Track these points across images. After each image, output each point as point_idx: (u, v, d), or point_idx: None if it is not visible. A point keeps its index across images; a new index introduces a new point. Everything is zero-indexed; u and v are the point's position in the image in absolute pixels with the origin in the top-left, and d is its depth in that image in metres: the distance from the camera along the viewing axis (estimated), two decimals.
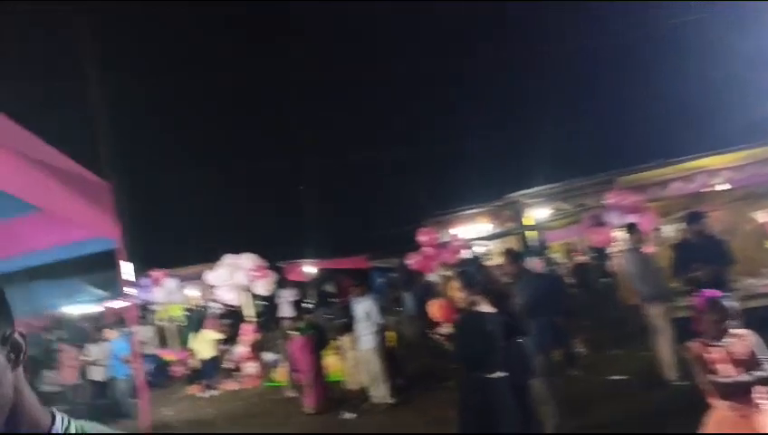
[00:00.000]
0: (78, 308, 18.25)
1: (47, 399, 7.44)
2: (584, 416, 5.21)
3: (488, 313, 3.03)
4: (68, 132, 8.09)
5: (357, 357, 8.38)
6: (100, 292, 17.44)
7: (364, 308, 7.71)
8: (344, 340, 9.19)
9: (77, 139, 8.19)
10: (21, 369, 1.00)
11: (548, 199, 15.36)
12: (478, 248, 15.45)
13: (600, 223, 10.18)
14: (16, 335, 0.99)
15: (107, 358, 9.65)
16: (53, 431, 0.99)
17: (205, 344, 11.14)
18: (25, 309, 16.87)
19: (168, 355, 13.04)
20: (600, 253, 15.56)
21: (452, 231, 15.72)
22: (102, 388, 9.68)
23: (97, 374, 9.79)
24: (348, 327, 8.28)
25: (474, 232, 16.36)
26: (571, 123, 23.29)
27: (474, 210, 16.89)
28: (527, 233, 15.46)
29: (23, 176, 6.26)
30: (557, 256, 17.78)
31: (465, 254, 12.64)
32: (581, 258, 18.29)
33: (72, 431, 1.01)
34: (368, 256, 18.47)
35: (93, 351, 9.98)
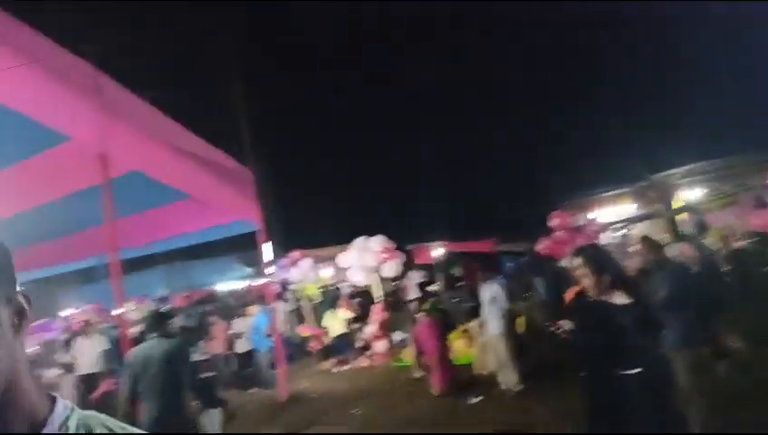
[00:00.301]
0: (228, 285, 20.01)
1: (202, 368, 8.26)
2: (733, 416, 4.71)
3: (622, 304, 2.80)
4: (212, 123, 8.81)
5: (484, 342, 8.28)
6: (248, 270, 18.97)
7: (491, 293, 7.59)
8: (472, 324, 9.12)
9: (221, 128, 8.89)
10: (22, 340, 0.86)
11: (702, 179, 13.94)
12: (617, 233, 14.48)
13: (762, 204, 9.06)
14: (20, 298, 0.86)
15: (250, 332, 10.48)
16: (51, 423, 0.84)
17: (337, 322, 11.69)
18: (183, 285, 18.86)
19: (305, 331, 13.85)
20: (763, 238, 13.85)
21: (590, 214, 14.88)
22: (247, 359, 10.54)
23: (241, 346, 10.67)
24: (475, 311, 8.21)
25: (614, 215, 15.35)
26: (729, 94, 20.89)
27: (615, 192, 15.83)
28: (676, 216, 14.18)
29: (175, 166, 6.93)
30: (711, 241, 16.13)
31: (601, 239, 11.91)
32: (740, 244, 16.39)
33: (72, 426, 0.86)
34: (496, 239, 18.08)
35: (238, 325, 10.88)
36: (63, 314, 20.18)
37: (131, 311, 18.01)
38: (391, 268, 12.97)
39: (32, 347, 19.11)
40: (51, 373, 11.91)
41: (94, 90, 5.42)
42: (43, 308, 20.97)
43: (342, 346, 11.66)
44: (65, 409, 0.88)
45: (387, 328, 11.69)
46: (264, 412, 8.36)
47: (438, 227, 20.66)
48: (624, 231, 15.00)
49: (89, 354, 9.69)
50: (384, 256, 12.84)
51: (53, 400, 0.89)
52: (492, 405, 6.88)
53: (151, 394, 4.18)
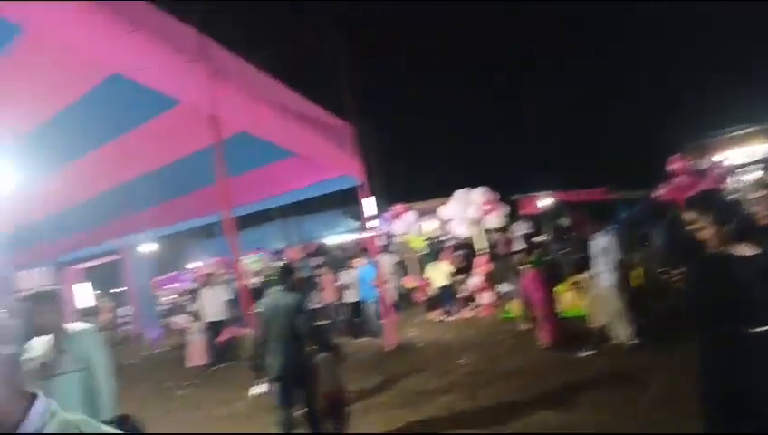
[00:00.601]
0: (336, 238, 20.75)
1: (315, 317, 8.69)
2: None
3: (748, 255, 2.53)
4: (314, 80, 8.95)
5: (596, 295, 7.97)
6: (355, 223, 19.53)
7: (603, 243, 7.22)
8: (582, 276, 8.79)
9: (323, 85, 9.02)
10: None
11: None
12: (745, 177, 13.11)
13: None
14: None
15: (357, 283, 10.84)
16: (23, 429, 0.74)
17: (439, 274, 11.78)
18: (295, 238, 19.82)
19: (410, 282, 14.11)
20: None
21: (715, 157, 13.56)
22: (355, 309, 10.95)
23: (350, 297, 11.09)
24: (585, 263, 7.88)
25: (743, 156, 13.87)
26: None
27: (744, 131, 14.25)
28: None
29: (280, 125, 7.15)
30: None
31: (727, 183, 10.87)
32: None
33: (52, 427, 0.76)
34: (609, 187, 17.08)
35: (346, 276, 11.29)
36: (191, 266, 22.08)
37: (250, 263, 19.31)
38: (494, 220, 12.74)
39: (166, 297, 21.17)
40: (182, 321, 13.12)
41: (202, 54, 5.67)
42: (173, 261, 23.10)
43: (446, 297, 11.76)
44: (43, 414, 0.77)
45: (491, 280, 11.59)
46: (372, 360, 8.70)
47: (546, 175, 19.90)
48: (754, 174, 13.53)
49: (213, 304, 10.54)
50: (487, 207, 12.62)
51: (33, 396, 0.78)
52: (603, 359, 6.65)
53: (277, 340, 4.74)
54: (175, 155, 7.74)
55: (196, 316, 10.79)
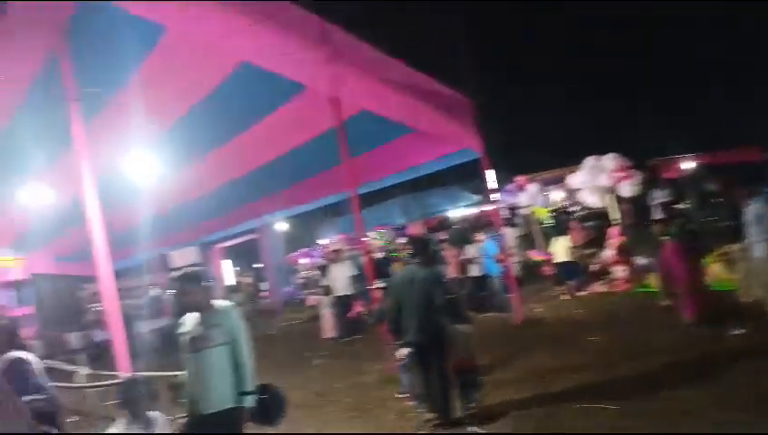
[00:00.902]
0: (458, 212, 20.66)
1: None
2: None
3: None
4: (432, 56, 8.86)
5: (749, 267, 7.21)
6: (476, 197, 19.31)
7: (756, 210, 6.48)
8: (733, 247, 7.99)
9: (441, 60, 8.91)
10: None
11: None
12: None
13: None
14: None
15: (480, 257, 10.73)
16: None
17: (560, 249, 11.28)
18: (417, 214, 20.02)
19: (536, 256, 13.68)
20: None
21: None
22: (480, 283, 10.85)
23: (474, 271, 11.01)
24: (735, 231, 7.13)
25: None
26: None
27: None
28: None
29: (399, 102, 7.20)
30: None
31: None
32: None
33: None
34: (763, 146, 15.20)
35: (469, 250, 11.20)
36: (320, 242, 23.19)
37: (374, 239, 19.86)
38: (628, 187, 11.91)
39: (299, 272, 22.46)
40: (313, 296, 13.86)
41: (322, 38, 5.84)
42: (304, 238, 24.42)
43: (571, 272, 11.21)
44: None
45: (626, 252, 10.89)
46: (498, 335, 8.60)
47: (687, 136, 18.17)
48: None
49: (341, 279, 11.01)
50: (619, 174, 11.82)
51: None
52: (759, 337, 6.01)
53: (412, 311, 4.96)
54: (304, 138, 8.11)
55: (326, 291, 11.34)
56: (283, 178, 10.00)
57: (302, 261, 23.77)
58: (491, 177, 9.57)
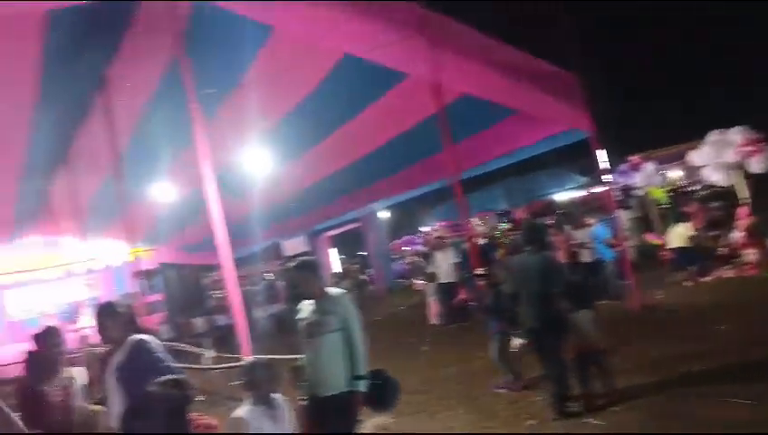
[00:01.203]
0: (565, 195, 19.88)
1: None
2: None
3: None
4: (536, 34, 8.52)
5: None
6: (584, 179, 18.46)
7: None
8: None
9: (545, 37, 8.55)
10: None
11: None
12: None
13: None
14: None
15: (591, 241, 10.20)
16: None
17: (677, 236, 10.47)
18: (522, 199, 19.49)
19: (654, 239, 12.82)
20: None
21: None
22: (592, 269, 10.33)
23: (585, 257, 10.49)
24: None
25: None
26: None
27: None
28: None
29: (501, 84, 7.02)
30: None
31: None
32: None
33: None
34: None
35: (579, 235, 10.70)
36: (423, 229, 23.31)
37: (477, 225, 19.61)
38: (758, 163, 10.82)
39: (402, 259, 22.73)
40: (418, 283, 13.97)
41: (422, 25, 5.80)
42: (407, 225, 24.66)
43: (691, 258, 10.36)
44: None
45: (757, 234, 9.91)
46: (614, 324, 8.17)
47: None
48: None
49: (444, 266, 10.96)
50: (747, 148, 10.77)
51: None
52: None
53: (530, 298, 4.94)
54: (405, 126, 8.15)
55: (430, 278, 11.36)
56: (386, 167, 10.13)
57: (405, 248, 24.03)
58: (602, 157, 9.09)
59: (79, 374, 4.36)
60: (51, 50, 5.12)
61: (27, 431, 2.60)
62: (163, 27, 4.88)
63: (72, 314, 13.86)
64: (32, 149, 7.70)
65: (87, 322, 12.39)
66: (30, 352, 4.36)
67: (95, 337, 4.21)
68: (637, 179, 13.51)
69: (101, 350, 3.90)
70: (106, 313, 3.51)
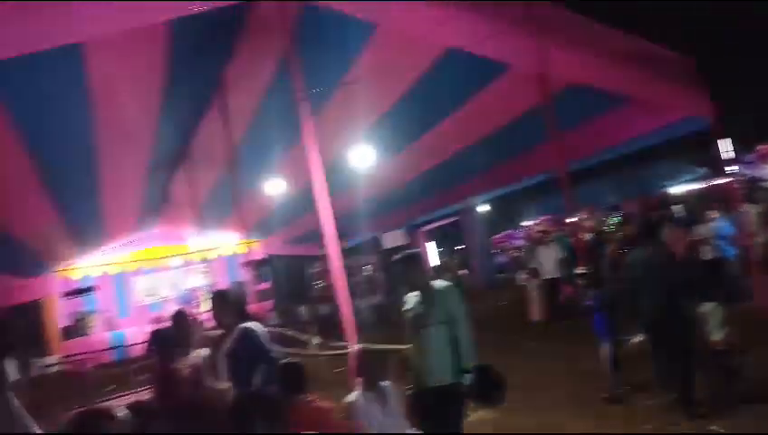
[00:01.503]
0: (681, 187, 18.56)
1: None
2: None
3: None
4: (651, 17, 8.00)
5: None
6: (701, 170, 17.12)
7: None
8: None
9: (660, 20, 8.01)
10: None
11: None
12: None
13: None
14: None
15: (713, 237, 9.46)
16: None
17: None
18: (633, 192, 18.41)
19: None
20: None
21: None
22: (713, 267, 9.58)
23: (706, 253, 9.74)
24: None
25: None
26: None
27: None
28: None
29: (611, 71, 6.68)
30: None
31: None
32: None
33: None
34: None
35: (700, 230, 9.94)
36: (524, 224, 22.70)
37: (583, 220, 18.74)
38: None
39: (503, 254, 22.33)
40: (522, 277, 13.67)
41: (525, 15, 5.65)
42: (507, 220, 24.12)
43: None
44: None
45: None
46: (739, 326, 7.53)
47: None
48: None
49: (548, 262, 10.65)
50: None
51: None
52: None
53: (651, 292, 4.84)
54: (506, 118, 8.00)
55: (534, 273, 11.08)
56: (486, 160, 9.98)
57: (505, 243, 23.55)
58: (726, 147, 8.37)
59: (205, 355, 4.72)
60: (173, 55, 5.55)
61: (37, 429, 2.79)
62: (274, 28, 5.13)
63: (189, 300, 15.02)
64: (156, 148, 8.40)
65: (204, 307, 13.38)
66: (156, 331, 4.77)
67: (210, 321, 4.54)
68: (766, 171, 12.34)
69: (216, 333, 4.21)
70: (220, 300, 3.78)
